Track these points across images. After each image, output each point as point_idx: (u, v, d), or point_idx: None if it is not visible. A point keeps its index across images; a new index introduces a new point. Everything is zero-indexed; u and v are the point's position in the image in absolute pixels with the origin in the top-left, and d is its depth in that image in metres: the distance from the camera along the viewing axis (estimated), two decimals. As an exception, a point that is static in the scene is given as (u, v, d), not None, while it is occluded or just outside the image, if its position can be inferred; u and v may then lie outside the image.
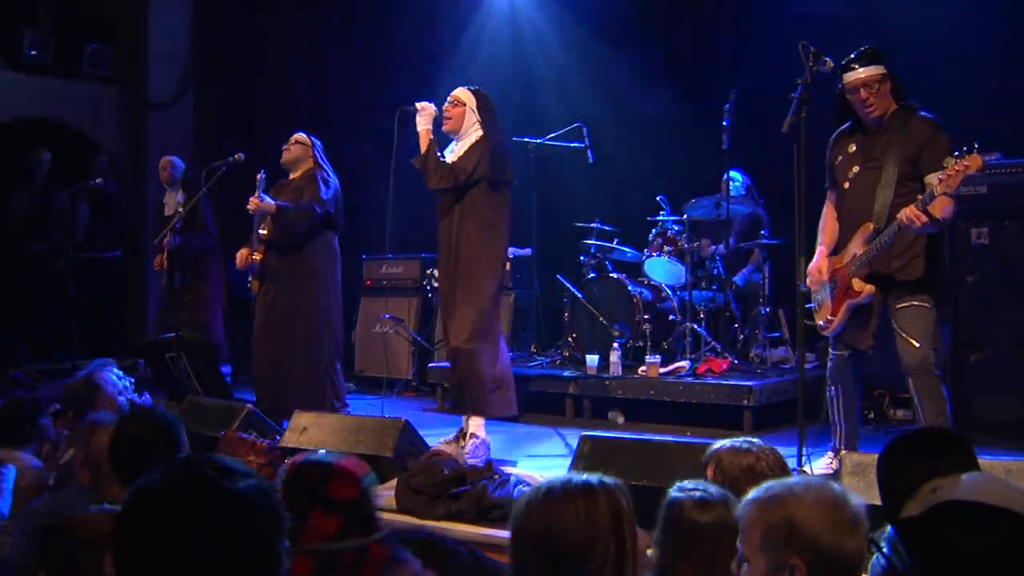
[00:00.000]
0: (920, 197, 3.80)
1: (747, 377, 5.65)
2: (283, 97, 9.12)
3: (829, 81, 4.38)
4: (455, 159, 4.96)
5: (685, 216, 6.26)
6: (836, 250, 4.24)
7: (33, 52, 8.69)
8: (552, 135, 6.57)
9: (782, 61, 4.54)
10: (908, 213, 3.77)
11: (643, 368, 5.86)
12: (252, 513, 1.40)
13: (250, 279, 5.82)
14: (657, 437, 4.43)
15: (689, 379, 5.68)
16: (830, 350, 4.35)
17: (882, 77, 4.04)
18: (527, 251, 7.00)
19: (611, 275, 6.45)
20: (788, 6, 6.51)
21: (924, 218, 3.76)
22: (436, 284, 5.57)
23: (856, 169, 4.14)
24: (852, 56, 4.08)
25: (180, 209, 6.47)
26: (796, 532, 1.64)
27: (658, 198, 6.56)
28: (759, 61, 6.29)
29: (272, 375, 5.67)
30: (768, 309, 6.14)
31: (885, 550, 1.44)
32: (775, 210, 6.29)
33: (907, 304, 3.98)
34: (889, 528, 1.49)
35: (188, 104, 9.50)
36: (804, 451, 3.92)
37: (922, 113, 4.05)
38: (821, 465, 4.28)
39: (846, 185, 4.18)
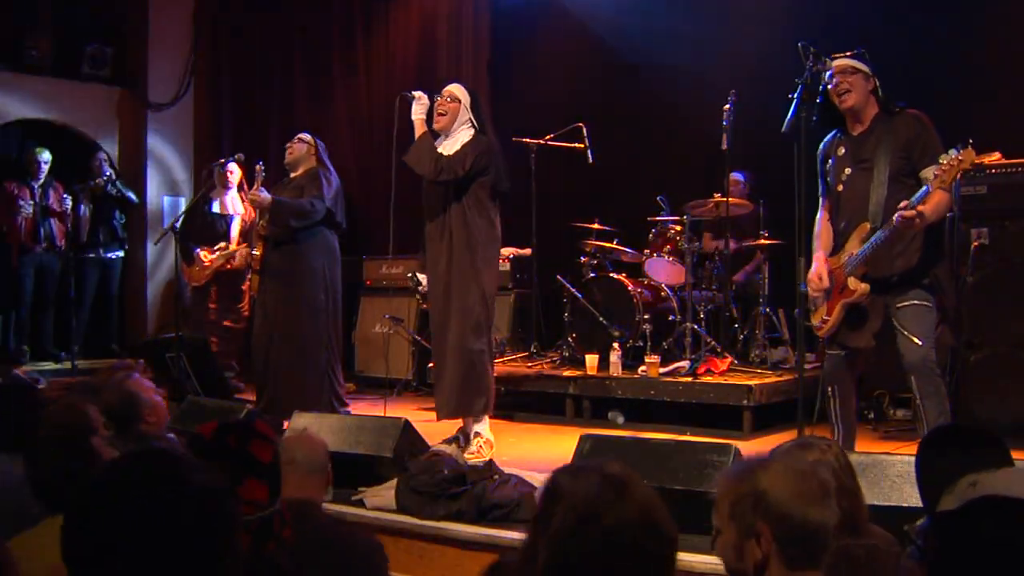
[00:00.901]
0: (912, 199, 3.81)
1: (747, 377, 5.65)
2: (283, 97, 9.12)
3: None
4: (449, 155, 4.95)
5: (685, 216, 6.27)
6: (832, 252, 4.24)
7: (34, 53, 8.69)
8: (552, 135, 6.57)
9: (782, 61, 4.55)
10: (902, 215, 3.78)
11: (643, 368, 5.86)
12: (206, 511, 1.36)
13: (249, 277, 5.83)
14: (657, 437, 4.43)
15: (689, 379, 5.68)
16: (826, 350, 4.35)
17: (856, 70, 4.08)
18: (527, 251, 7.00)
19: (611, 275, 6.45)
20: (788, 6, 6.52)
21: (916, 217, 3.77)
22: (421, 286, 5.52)
23: (848, 171, 4.15)
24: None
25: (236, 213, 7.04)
26: (762, 499, 1.68)
27: (658, 198, 6.56)
28: (759, 61, 6.29)
29: (272, 375, 5.68)
30: (768, 309, 6.14)
31: (919, 542, 1.44)
32: (775, 210, 6.29)
33: (908, 303, 3.98)
34: (926, 519, 1.50)
35: (188, 104, 9.50)
36: None
37: (907, 109, 4.07)
38: None
39: (840, 188, 4.18)
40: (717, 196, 6.17)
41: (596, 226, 6.71)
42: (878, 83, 4.12)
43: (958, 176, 3.82)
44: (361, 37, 8.72)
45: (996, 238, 5.09)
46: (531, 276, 7.00)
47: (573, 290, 6.46)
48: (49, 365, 8.02)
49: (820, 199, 4.35)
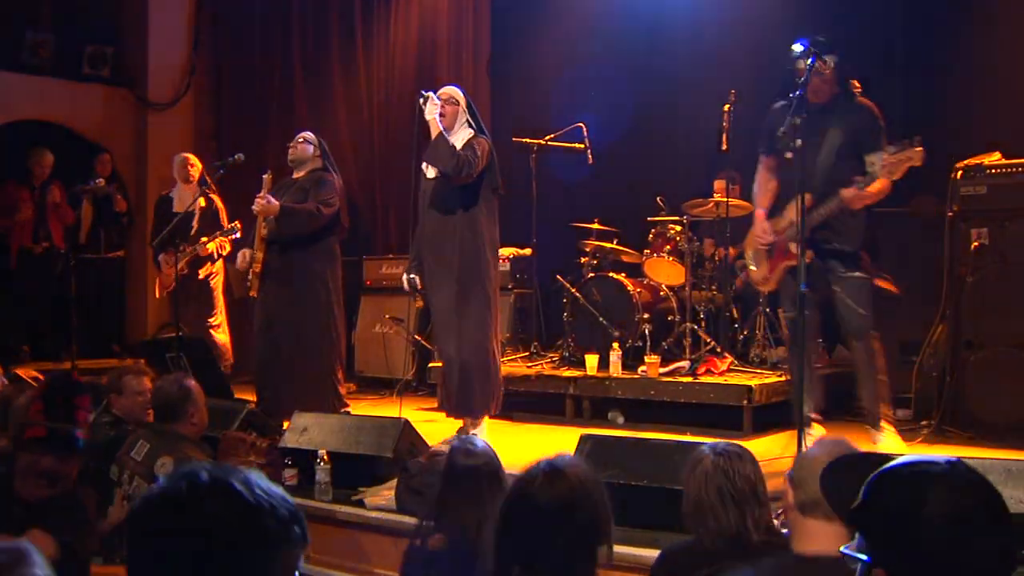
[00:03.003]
0: (860, 179, 4.13)
1: (747, 377, 5.65)
2: (283, 97, 9.12)
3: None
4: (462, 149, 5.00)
5: (685, 216, 6.27)
6: (772, 214, 4.52)
7: (34, 53, 8.69)
8: (552, 135, 6.57)
9: (782, 61, 4.56)
10: (851, 193, 4.11)
11: (643, 368, 5.86)
12: (267, 528, 1.39)
13: (250, 278, 5.82)
14: (657, 437, 4.43)
15: (689, 379, 5.68)
16: (784, 315, 4.67)
17: (834, 64, 4.33)
18: (527, 251, 7.00)
19: (611, 275, 6.45)
20: (789, 6, 6.51)
21: (864, 197, 4.16)
22: (415, 286, 5.52)
23: (799, 142, 4.33)
24: (815, 40, 4.36)
25: (196, 208, 6.53)
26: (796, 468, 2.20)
27: (658, 198, 6.56)
28: (759, 61, 6.29)
29: (273, 375, 5.68)
30: (768, 309, 6.14)
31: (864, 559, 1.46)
32: (774, 210, 6.29)
33: (851, 275, 4.29)
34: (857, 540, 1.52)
35: (188, 105, 9.50)
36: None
37: (863, 98, 4.29)
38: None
39: (788, 156, 4.38)
40: (717, 196, 6.17)
41: (596, 226, 6.72)
42: (841, 66, 4.37)
43: (905, 171, 4.06)
44: (361, 37, 8.72)
45: (996, 238, 5.09)
46: (531, 276, 7.00)
47: (573, 290, 6.46)
48: (49, 365, 8.01)
49: (761, 156, 4.64)
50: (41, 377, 6.90)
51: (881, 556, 1.41)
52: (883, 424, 4.40)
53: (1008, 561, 1.39)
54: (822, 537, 2.09)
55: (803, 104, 4.25)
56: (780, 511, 2.33)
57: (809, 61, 4.18)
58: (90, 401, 2.66)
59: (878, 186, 4.17)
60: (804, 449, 3.94)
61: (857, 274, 4.29)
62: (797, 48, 4.34)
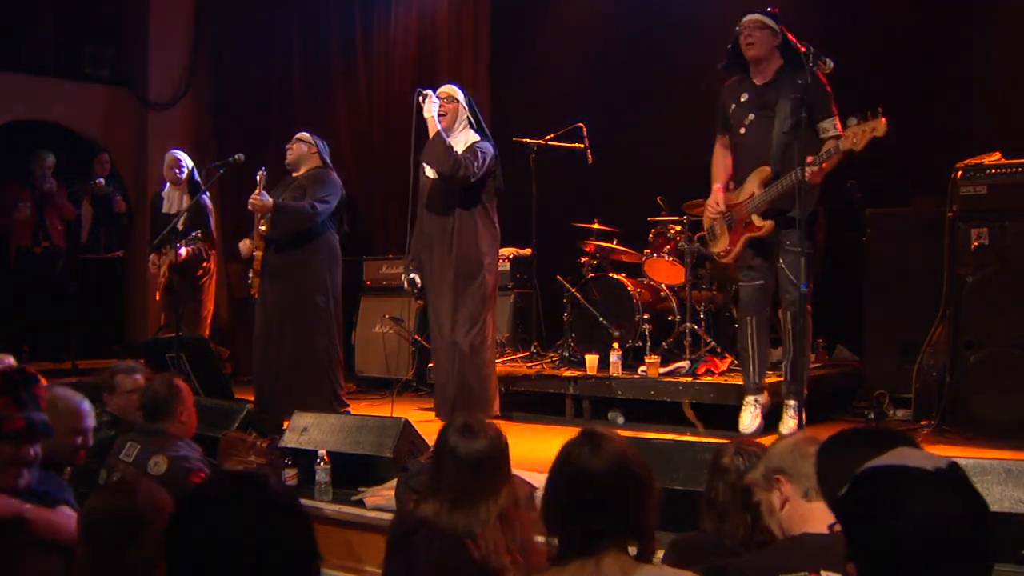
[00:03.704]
0: (821, 154, 4.22)
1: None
2: (283, 97, 9.13)
3: (829, 81, 4.40)
4: (461, 152, 5.00)
5: (685, 216, 6.27)
6: (731, 189, 4.63)
7: (34, 53, 8.70)
8: (552, 135, 6.57)
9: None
10: (812, 171, 4.19)
11: (643, 368, 5.86)
12: (300, 527, 1.43)
13: (250, 277, 5.82)
14: (657, 437, 4.42)
15: (689, 379, 5.67)
16: (740, 283, 4.74)
17: (765, 26, 4.47)
18: (527, 251, 7.00)
19: (611, 275, 6.45)
20: (792, 3, 6.51)
21: (825, 170, 4.26)
22: (415, 285, 5.53)
23: (752, 117, 4.53)
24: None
25: (184, 211, 6.42)
26: (770, 462, 2.29)
27: (658, 198, 6.56)
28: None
29: (273, 375, 5.68)
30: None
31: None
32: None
33: (796, 249, 4.36)
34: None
35: (188, 104, 9.50)
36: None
37: (808, 66, 4.32)
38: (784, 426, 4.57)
39: (742, 131, 4.55)
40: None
41: (596, 226, 6.71)
42: (785, 38, 4.48)
43: (869, 142, 4.11)
44: (361, 37, 8.73)
45: (996, 238, 5.08)
46: (531, 276, 7.00)
47: (573, 290, 6.46)
48: (49, 365, 8.02)
49: (717, 136, 4.77)
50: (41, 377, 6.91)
51: (855, 551, 1.41)
52: (790, 401, 4.43)
53: None
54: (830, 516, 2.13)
55: (750, 81, 4.49)
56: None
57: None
58: (46, 390, 2.74)
59: (836, 160, 4.27)
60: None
61: (798, 248, 4.36)
62: (745, 18, 4.51)
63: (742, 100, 4.56)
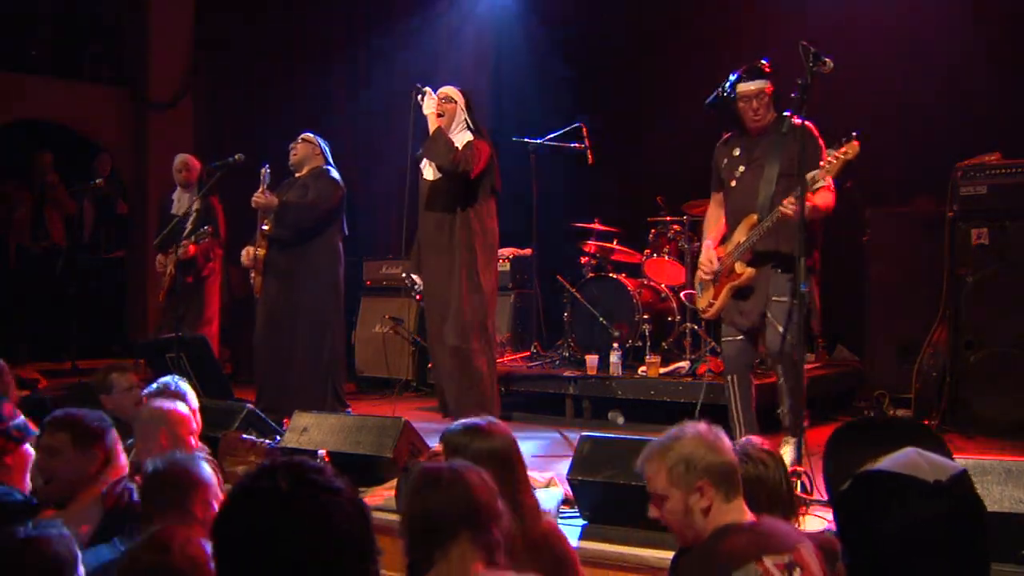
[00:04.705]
0: (797, 189, 4.02)
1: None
2: (283, 98, 9.12)
3: (829, 81, 4.39)
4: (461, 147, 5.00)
5: (685, 216, 6.27)
6: (722, 242, 4.50)
7: (34, 53, 8.70)
8: (552, 135, 6.57)
9: (782, 62, 4.56)
10: (783, 209, 4.05)
11: (643, 368, 5.86)
12: (348, 520, 1.43)
13: (252, 277, 5.82)
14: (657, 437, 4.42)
15: (689, 379, 5.68)
16: (722, 338, 4.56)
17: (767, 92, 4.33)
18: (527, 251, 7.00)
19: (611, 275, 6.45)
20: (788, 6, 6.52)
21: (814, 211, 4.07)
22: (417, 285, 5.53)
23: (742, 169, 4.43)
24: (745, 70, 4.37)
25: (193, 211, 6.44)
26: (690, 463, 2.21)
27: (658, 198, 6.56)
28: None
29: (273, 375, 5.68)
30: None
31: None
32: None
33: (783, 300, 4.20)
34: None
35: (188, 104, 9.50)
36: (801, 451, 3.95)
37: (798, 119, 4.23)
38: None
39: (733, 183, 4.45)
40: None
41: (596, 226, 6.71)
42: (776, 90, 4.36)
43: (845, 166, 3.99)
44: (362, 37, 8.73)
45: (996, 238, 5.09)
46: (531, 276, 7.00)
47: (573, 290, 6.46)
48: (49, 365, 8.02)
49: (712, 194, 4.64)
50: (41, 377, 6.92)
51: (844, 548, 1.43)
52: (789, 439, 4.28)
53: None
54: (747, 512, 2.22)
55: (744, 135, 4.39)
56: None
57: (811, 65, 4.14)
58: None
59: (820, 194, 4.11)
60: (802, 452, 3.94)
61: (784, 298, 4.21)
62: (741, 85, 4.34)
63: (734, 154, 4.48)
